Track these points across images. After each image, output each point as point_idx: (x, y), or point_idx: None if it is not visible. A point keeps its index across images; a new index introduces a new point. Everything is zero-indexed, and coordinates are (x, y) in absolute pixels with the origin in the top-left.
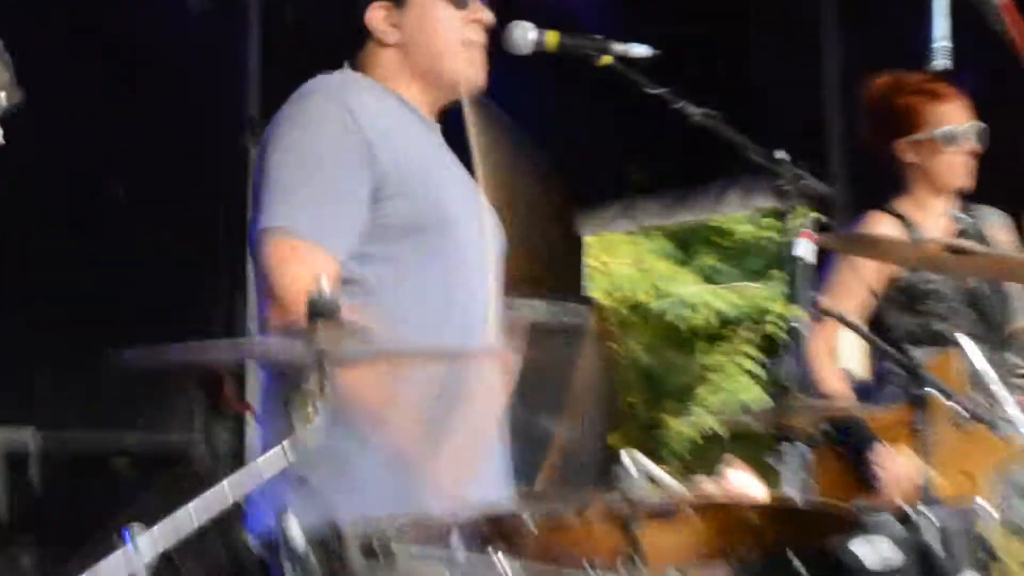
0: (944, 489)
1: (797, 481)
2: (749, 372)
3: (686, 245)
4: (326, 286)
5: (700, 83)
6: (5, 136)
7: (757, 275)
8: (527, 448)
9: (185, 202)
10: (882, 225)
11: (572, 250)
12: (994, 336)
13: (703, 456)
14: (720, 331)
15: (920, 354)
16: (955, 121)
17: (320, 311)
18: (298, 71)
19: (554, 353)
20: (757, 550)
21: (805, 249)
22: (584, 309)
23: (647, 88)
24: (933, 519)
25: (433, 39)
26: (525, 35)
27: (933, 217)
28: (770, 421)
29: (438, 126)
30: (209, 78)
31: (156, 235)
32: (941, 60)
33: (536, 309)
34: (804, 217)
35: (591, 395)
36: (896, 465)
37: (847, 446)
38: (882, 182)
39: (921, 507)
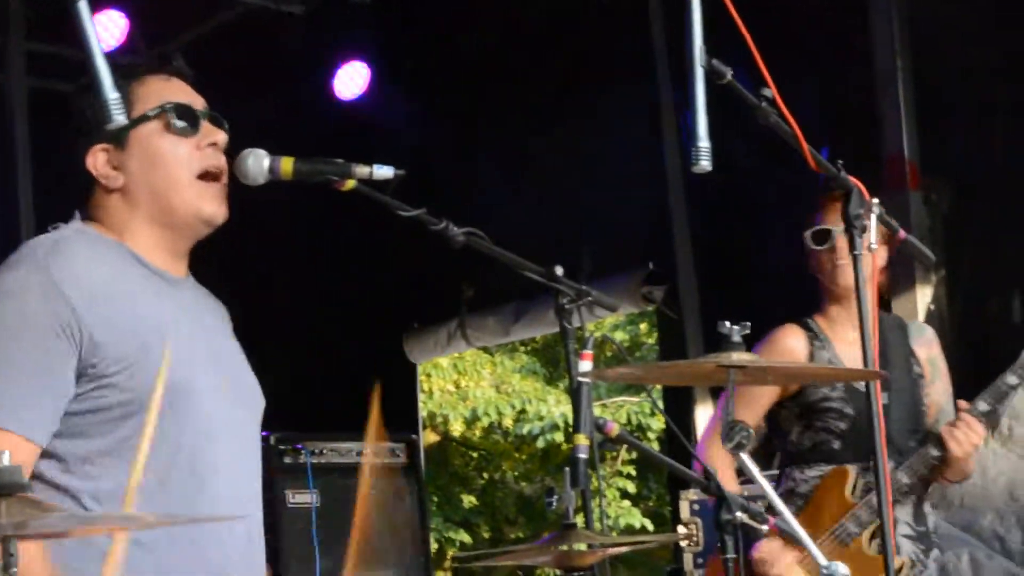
0: None
1: None
2: (628, 495)
3: (552, 360)
4: (7, 459)
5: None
6: None
7: (633, 388)
8: None
9: None
10: (789, 338)
11: (405, 379)
12: (898, 449)
13: None
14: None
15: (813, 472)
16: (824, 223)
17: (1, 486)
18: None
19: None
20: None
21: (586, 371)
22: (401, 447)
23: (400, 211)
24: None
25: (158, 176)
26: (259, 163)
27: (844, 330)
28: (556, 560)
29: (178, 277)
30: None
31: None
32: (703, 162)
33: (349, 451)
34: (584, 337)
35: (409, 535)
36: (778, 559)
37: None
38: (730, 287)
39: None
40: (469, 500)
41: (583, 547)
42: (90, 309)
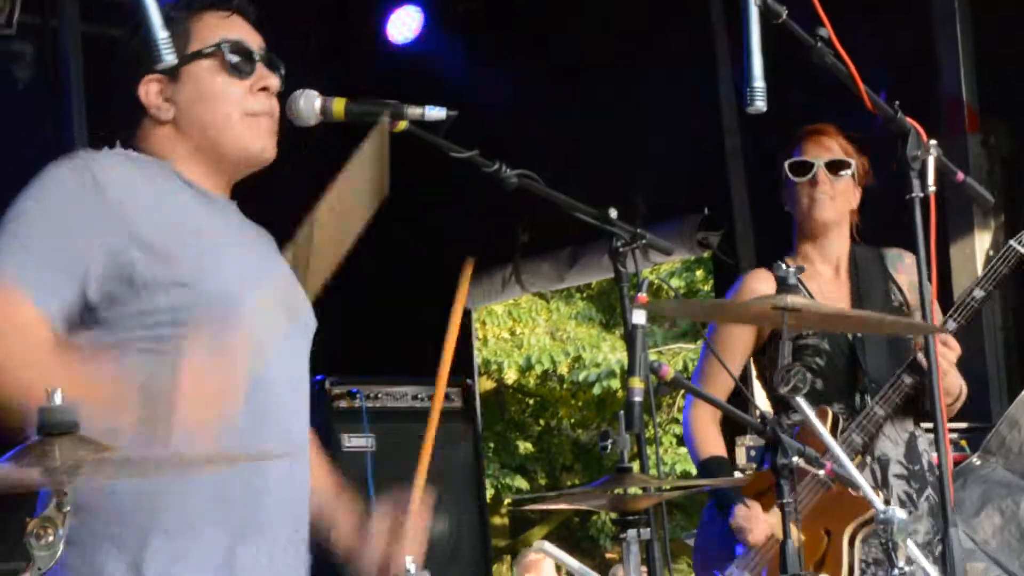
0: (805, 547)
1: (638, 567)
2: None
3: (608, 307)
4: (59, 398)
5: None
6: None
7: (688, 335)
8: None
9: None
10: (757, 282)
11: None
12: (876, 383)
13: None
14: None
15: (799, 417)
16: (804, 155)
17: (55, 425)
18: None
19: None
20: None
21: (640, 314)
22: (456, 391)
23: (452, 152)
24: None
25: (209, 113)
26: (311, 104)
27: (815, 268)
28: (611, 504)
29: (227, 201)
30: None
31: None
32: (758, 102)
33: (404, 395)
34: (640, 280)
35: (464, 480)
36: (756, 525)
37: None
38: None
39: None
40: (525, 447)
41: (638, 491)
42: (132, 212)
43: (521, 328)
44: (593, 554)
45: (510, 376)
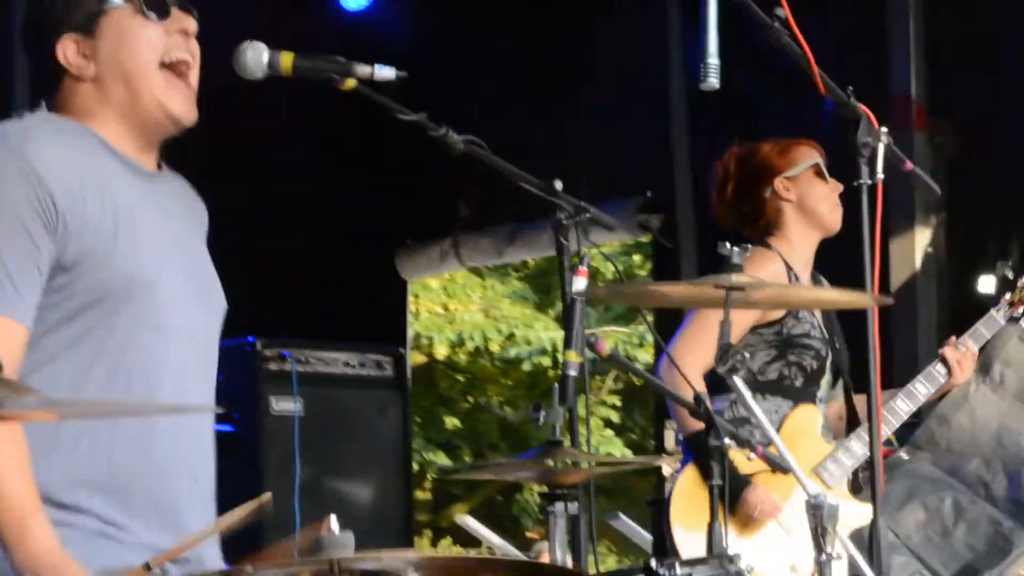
0: None
1: (563, 542)
2: (612, 424)
3: (544, 287)
4: None
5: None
6: None
7: (622, 318)
8: (321, 507)
9: None
10: (772, 262)
11: (395, 295)
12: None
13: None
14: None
15: (769, 405)
16: (820, 160)
17: None
18: None
19: (354, 406)
20: None
21: (581, 288)
22: (388, 360)
23: (399, 114)
24: None
25: (128, 62)
26: (258, 57)
27: (803, 259)
28: (540, 476)
29: (151, 170)
30: None
31: None
32: (711, 79)
33: (336, 360)
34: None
35: (391, 449)
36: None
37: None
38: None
39: None
40: (452, 423)
41: (569, 464)
42: (66, 196)
43: (455, 304)
44: (515, 533)
45: (440, 351)
